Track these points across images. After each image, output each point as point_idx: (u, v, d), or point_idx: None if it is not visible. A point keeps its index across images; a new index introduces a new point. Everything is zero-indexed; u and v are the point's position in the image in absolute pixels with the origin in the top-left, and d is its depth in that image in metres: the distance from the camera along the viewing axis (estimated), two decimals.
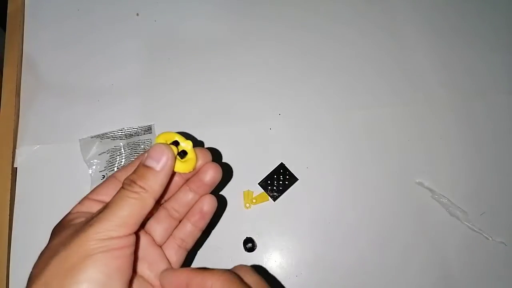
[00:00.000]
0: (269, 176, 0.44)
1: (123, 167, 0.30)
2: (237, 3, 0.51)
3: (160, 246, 0.30)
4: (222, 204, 0.43)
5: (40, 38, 0.49)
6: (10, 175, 0.43)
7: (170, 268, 0.29)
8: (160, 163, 0.26)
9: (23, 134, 0.45)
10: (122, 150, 0.44)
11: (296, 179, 0.44)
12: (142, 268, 0.28)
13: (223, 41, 0.50)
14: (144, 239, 0.29)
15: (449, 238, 0.44)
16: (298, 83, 0.48)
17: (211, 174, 0.30)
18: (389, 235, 0.43)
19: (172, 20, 0.50)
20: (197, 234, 0.31)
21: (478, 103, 0.48)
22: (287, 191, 0.44)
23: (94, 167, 0.44)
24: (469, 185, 0.45)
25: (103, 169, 0.43)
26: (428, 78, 0.49)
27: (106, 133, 0.45)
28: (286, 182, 0.44)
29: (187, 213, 0.31)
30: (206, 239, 0.42)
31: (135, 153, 0.44)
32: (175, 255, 0.30)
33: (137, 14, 0.50)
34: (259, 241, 0.42)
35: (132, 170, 0.28)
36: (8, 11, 0.49)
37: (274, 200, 0.44)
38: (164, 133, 0.29)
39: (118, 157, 0.44)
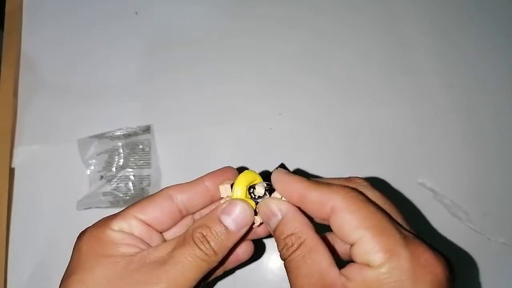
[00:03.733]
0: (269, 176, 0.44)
1: (183, 186, 0.27)
2: (237, 3, 0.51)
3: None
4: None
5: (38, 37, 0.49)
6: (8, 176, 0.43)
7: (283, 170, 0.25)
8: (239, 227, 0.24)
9: (20, 134, 0.45)
10: (121, 150, 0.44)
11: None
12: None
13: (222, 40, 0.49)
14: None
15: (451, 239, 0.43)
16: (298, 83, 0.48)
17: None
18: None
19: (171, 18, 0.50)
20: (219, 272, 0.29)
21: (481, 102, 0.48)
22: None
23: (92, 167, 0.43)
24: (471, 186, 0.45)
25: (101, 169, 0.43)
26: (430, 78, 0.49)
27: (104, 133, 0.44)
28: None
29: None
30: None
31: (133, 153, 0.43)
32: None
33: (136, 13, 0.50)
34: (259, 241, 0.42)
35: (191, 192, 0.26)
36: (6, 10, 0.49)
37: None
38: (247, 173, 0.26)
39: (116, 157, 0.43)
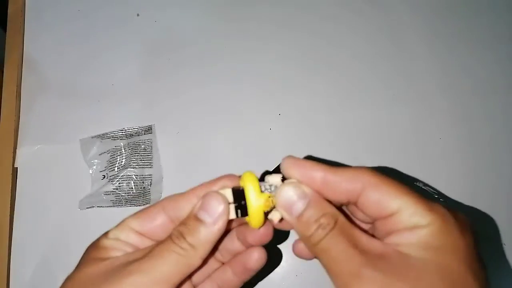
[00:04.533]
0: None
1: (175, 196, 0.26)
2: (238, 4, 0.51)
3: (194, 287, 0.27)
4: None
5: (40, 39, 0.49)
6: (11, 175, 0.43)
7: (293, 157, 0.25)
8: (214, 217, 0.23)
9: (23, 134, 0.45)
10: (123, 150, 0.44)
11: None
12: None
13: (223, 41, 0.50)
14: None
15: None
16: (298, 83, 0.48)
17: (261, 231, 0.26)
18: None
19: (172, 20, 0.50)
20: (237, 284, 0.27)
21: (476, 104, 0.48)
22: None
23: (94, 167, 0.44)
24: (467, 186, 0.45)
25: (104, 169, 0.43)
26: (429, 80, 0.49)
27: (106, 133, 0.45)
28: None
29: (231, 258, 0.27)
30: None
31: (135, 153, 0.44)
32: None
33: (138, 15, 0.50)
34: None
35: (183, 204, 0.25)
36: (8, 12, 0.50)
37: None
38: (249, 172, 0.25)
39: (118, 157, 0.44)
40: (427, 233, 0.20)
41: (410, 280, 0.19)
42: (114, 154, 0.44)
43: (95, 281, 0.22)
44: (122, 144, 0.44)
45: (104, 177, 0.43)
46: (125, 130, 0.45)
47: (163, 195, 0.43)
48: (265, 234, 0.26)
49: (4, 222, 0.42)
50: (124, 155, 0.44)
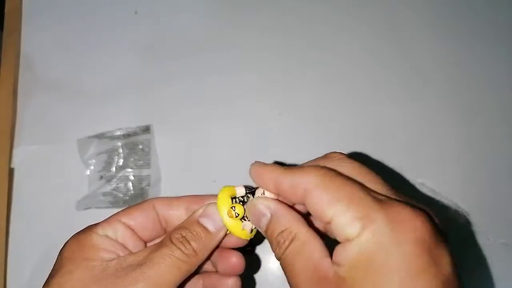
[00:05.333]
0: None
1: (166, 199, 0.27)
2: (238, 2, 0.51)
3: None
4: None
5: (37, 37, 0.49)
6: (7, 176, 0.43)
7: (260, 161, 0.25)
8: (217, 226, 0.24)
9: (20, 134, 0.45)
10: (120, 150, 0.44)
11: None
12: None
13: (222, 39, 0.49)
14: None
15: (450, 239, 0.43)
16: (298, 83, 0.48)
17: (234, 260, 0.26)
18: None
19: (170, 18, 0.50)
20: None
21: (482, 102, 0.48)
22: None
23: (91, 167, 0.43)
24: (471, 186, 0.45)
25: (101, 169, 0.43)
26: (431, 77, 0.49)
27: (104, 133, 0.44)
28: None
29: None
30: None
31: (133, 153, 0.43)
32: None
33: (136, 12, 0.50)
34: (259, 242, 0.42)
35: (176, 207, 0.26)
36: (5, 11, 0.49)
37: None
38: (225, 188, 0.26)
39: (116, 157, 0.43)
40: (356, 250, 0.18)
41: None
42: (112, 155, 0.43)
43: (90, 287, 0.21)
44: (119, 144, 0.44)
45: (102, 177, 0.43)
46: (123, 130, 0.45)
47: (162, 196, 0.43)
48: (236, 265, 0.26)
49: (1, 223, 0.42)
50: (121, 155, 0.43)
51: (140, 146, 0.44)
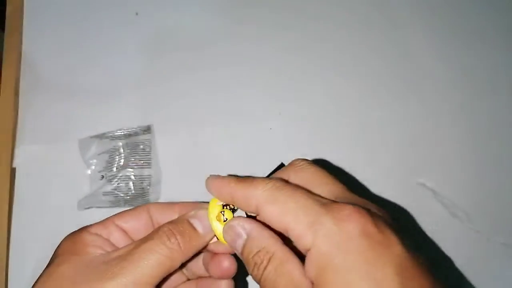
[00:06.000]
0: (269, 176, 0.44)
1: (160, 204, 0.27)
2: (238, 3, 0.51)
3: None
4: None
5: (39, 38, 0.49)
6: (9, 175, 0.43)
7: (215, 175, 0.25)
8: (206, 230, 0.24)
9: (21, 134, 0.45)
10: (121, 150, 0.44)
11: None
12: None
13: (223, 40, 0.49)
14: None
15: (450, 239, 0.43)
16: (298, 83, 0.48)
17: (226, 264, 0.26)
18: None
19: (171, 19, 0.50)
20: None
21: (480, 103, 0.48)
22: None
23: (93, 167, 0.43)
24: (471, 186, 0.45)
25: (102, 169, 0.43)
26: (431, 78, 0.49)
27: (105, 133, 0.45)
28: None
29: (198, 280, 0.28)
30: None
31: (134, 153, 0.44)
32: None
33: (137, 13, 0.50)
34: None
35: (170, 212, 0.26)
36: (7, 11, 0.49)
37: None
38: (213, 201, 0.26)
39: (117, 157, 0.43)
40: (317, 258, 0.19)
41: None
42: (113, 154, 0.44)
43: (73, 279, 0.22)
44: (120, 144, 0.44)
45: (103, 177, 0.43)
46: (124, 130, 0.45)
47: (162, 196, 0.43)
48: (228, 270, 0.26)
49: (2, 223, 0.42)
50: (122, 155, 0.43)
51: (141, 146, 0.44)
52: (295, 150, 0.45)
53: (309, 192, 0.21)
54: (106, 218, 0.26)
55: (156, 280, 0.22)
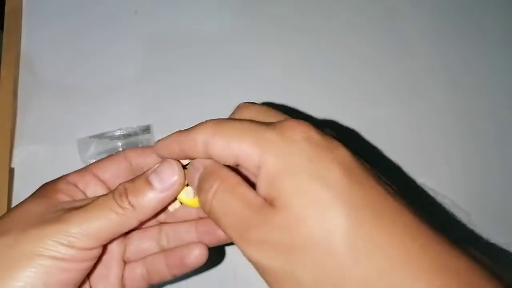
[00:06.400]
0: None
1: (138, 148, 0.27)
2: (238, 3, 0.51)
3: (125, 263, 0.26)
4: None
5: (38, 38, 0.49)
6: (7, 176, 0.43)
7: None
8: (164, 185, 0.22)
9: (20, 134, 0.45)
10: (120, 150, 0.43)
11: None
12: (94, 281, 0.25)
13: (223, 39, 0.49)
14: (113, 248, 0.25)
15: (451, 239, 0.43)
16: (298, 83, 0.48)
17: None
18: None
19: (171, 18, 0.50)
20: (167, 277, 0.26)
21: (480, 102, 0.48)
22: None
23: None
24: (472, 186, 0.45)
25: None
26: (432, 77, 0.49)
27: (104, 133, 0.44)
28: None
29: (173, 248, 0.26)
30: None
31: None
32: (131, 282, 0.26)
33: (136, 12, 0.50)
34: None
35: (147, 156, 0.25)
36: (5, 11, 0.49)
37: None
38: None
39: None
40: (267, 169, 0.19)
41: (282, 227, 0.18)
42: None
43: (30, 218, 0.22)
44: (120, 144, 0.44)
45: None
46: (123, 130, 0.45)
47: None
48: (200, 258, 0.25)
49: None
50: None
51: (141, 146, 0.44)
52: None
53: (253, 120, 0.21)
54: (84, 168, 0.26)
55: (104, 235, 0.22)
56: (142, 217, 0.22)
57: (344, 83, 0.48)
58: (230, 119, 0.22)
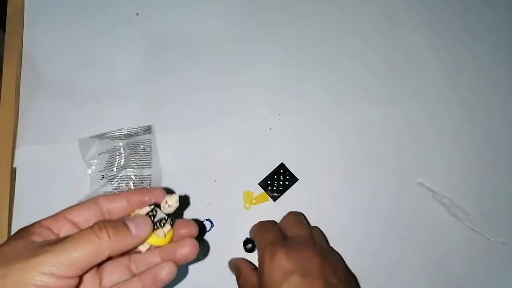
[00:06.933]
0: (269, 176, 0.44)
1: (109, 195, 0.30)
2: (238, 4, 0.51)
3: None
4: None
5: (39, 38, 0.49)
6: (10, 175, 0.43)
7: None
8: (137, 232, 0.27)
9: (22, 134, 0.45)
10: (122, 150, 0.44)
11: (296, 179, 0.44)
12: None
13: (223, 41, 0.50)
14: (90, 279, 0.28)
15: (450, 239, 0.43)
16: (298, 83, 0.48)
17: (186, 250, 0.29)
18: (389, 235, 0.43)
19: (172, 19, 0.50)
20: None
21: (480, 101, 0.48)
22: (287, 191, 0.44)
23: (93, 167, 0.43)
24: (470, 185, 0.45)
25: (103, 169, 0.43)
26: (430, 77, 0.49)
27: (105, 133, 0.45)
28: (286, 182, 0.44)
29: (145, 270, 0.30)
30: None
31: (134, 153, 0.44)
32: None
33: (137, 14, 0.50)
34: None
35: (118, 201, 0.29)
36: (8, 12, 0.49)
37: (274, 200, 0.43)
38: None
39: (117, 157, 0.44)
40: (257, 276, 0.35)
41: None
42: (113, 154, 0.44)
43: (11, 256, 0.24)
44: (121, 144, 0.44)
45: (103, 177, 0.43)
46: (124, 130, 0.45)
47: None
48: (186, 254, 0.29)
49: (3, 223, 0.42)
50: (123, 155, 0.44)
51: (142, 146, 0.44)
52: (295, 150, 0.45)
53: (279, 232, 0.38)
54: (57, 213, 0.28)
55: (82, 264, 0.24)
56: (114, 251, 0.25)
57: (343, 84, 0.48)
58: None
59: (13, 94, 0.46)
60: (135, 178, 0.43)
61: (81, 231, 0.25)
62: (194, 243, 0.30)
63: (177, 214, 0.30)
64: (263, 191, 0.44)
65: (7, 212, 0.42)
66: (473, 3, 0.52)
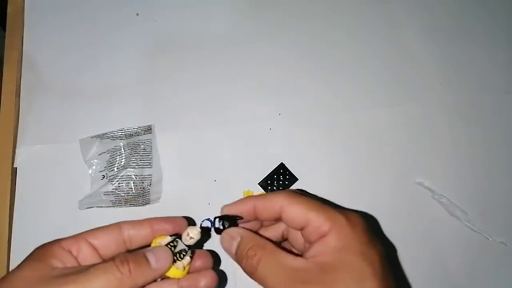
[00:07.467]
0: (269, 176, 0.44)
1: (133, 221, 0.30)
2: (237, 4, 0.51)
3: None
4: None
5: (40, 38, 0.49)
6: (10, 175, 0.43)
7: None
8: (158, 265, 0.27)
9: (23, 134, 0.45)
10: (122, 150, 0.44)
11: (296, 179, 0.44)
12: None
13: (223, 41, 0.50)
14: None
15: (449, 238, 0.43)
16: (298, 83, 0.48)
17: (207, 283, 0.30)
18: (388, 235, 0.43)
19: (172, 20, 0.50)
20: None
21: (477, 102, 0.48)
22: None
23: (94, 167, 0.44)
24: (469, 185, 0.45)
25: (103, 169, 0.43)
26: (427, 78, 0.49)
27: (106, 133, 0.45)
28: (286, 182, 0.44)
29: None
30: None
31: (135, 153, 0.44)
32: None
33: (137, 14, 0.50)
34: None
35: (141, 228, 0.29)
36: (8, 12, 0.49)
37: None
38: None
39: (118, 157, 0.44)
40: (330, 240, 0.26)
41: (327, 284, 0.25)
42: (114, 154, 0.44)
43: (30, 282, 0.24)
44: (121, 144, 0.44)
45: (104, 177, 0.43)
46: (125, 130, 0.45)
47: (163, 196, 0.43)
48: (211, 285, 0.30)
49: (3, 223, 0.42)
50: (123, 155, 0.44)
51: (142, 146, 0.44)
52: (295, 150, 0.46)
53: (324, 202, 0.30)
54: (79, 233, 0.28)
55: None
56: (135, 284, 0.25)
57: (342, 84, 0.48)
58: (302, 194, 0.29)
59: (14, 94, 0.46)
60: (136, 178, 0.43)
61: (103, 263, 0.25)
62: (214, 275, 0.30)
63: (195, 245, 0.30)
64: (263, 191, 0.44)
65: (7, 212, 0.42)
66: (470, 5, 0.52)
